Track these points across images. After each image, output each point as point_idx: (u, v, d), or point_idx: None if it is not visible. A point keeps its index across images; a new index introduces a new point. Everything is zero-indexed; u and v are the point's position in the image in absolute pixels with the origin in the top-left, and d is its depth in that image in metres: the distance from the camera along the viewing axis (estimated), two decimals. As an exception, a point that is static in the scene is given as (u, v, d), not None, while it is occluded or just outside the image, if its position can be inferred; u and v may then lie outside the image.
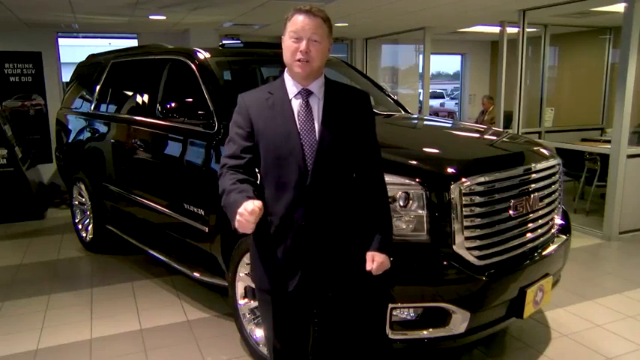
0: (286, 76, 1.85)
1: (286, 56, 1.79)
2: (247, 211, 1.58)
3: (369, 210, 1.88)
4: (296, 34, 1.75)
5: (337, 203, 1.82)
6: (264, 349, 2.70)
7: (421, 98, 8.98)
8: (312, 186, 1.76)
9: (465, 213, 2.34)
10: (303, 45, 1.73)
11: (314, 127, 1.78)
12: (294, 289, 1.82)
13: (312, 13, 1.75)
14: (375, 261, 1.84)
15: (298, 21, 1.75)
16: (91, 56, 5.20)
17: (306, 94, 1.81)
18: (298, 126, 1.77)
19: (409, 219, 2.31)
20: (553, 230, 2.86)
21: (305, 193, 1.76)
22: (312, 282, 1.83)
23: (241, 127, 1.84)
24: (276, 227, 1.80)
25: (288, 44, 1.77)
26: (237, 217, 1.60)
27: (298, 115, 1.79)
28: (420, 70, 9.16)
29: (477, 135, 3.39)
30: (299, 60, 1.74)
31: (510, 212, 2.50)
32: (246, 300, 2.85)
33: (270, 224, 1.81)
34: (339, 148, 1.80)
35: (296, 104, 1.81)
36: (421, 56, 8.70)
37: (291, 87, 1.82)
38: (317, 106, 1.81)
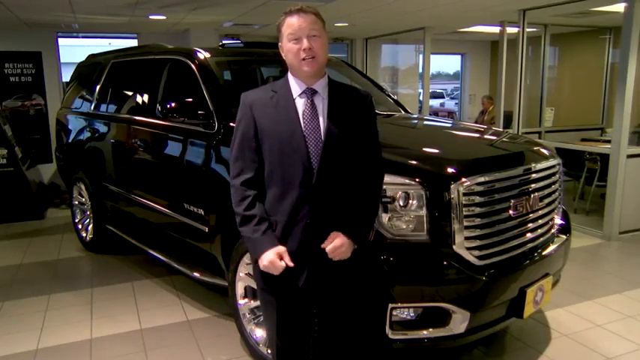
0: (290, 76, 1.86)
1: (290, 59, 1.80)
2: (277, 270, 1.77)
3: (358, 201, 1.86)
4: (294, 35, 1.76)
5: (342, 201, 1.83)
6: (264, 349, 2.70)
7: (421, 98, 8.99)
8: (318, 184, 1.77)
9: (465, 213, 2.33)
10: (305, 43, 1.74)
11: (319, 126, 1.79)
12: (299, 288, 1.83)
13: (303, 11, 1.78)
14: (333, 241, 1.78)
15: (293, 22, 1.76)
16: (91, 56, 5.20)
17: (310, 93, 1.82)
18: (303, 125, 1.78)
19: (409, 219, 2.31)
20: (553, 230, 2.86)
21: (310, 191, 1.77)
22: (317, 281, 1.83)
23: (246, 127, 1.85)
24: (282, 226, 1.81)
25: (289, 47, 1.78)
26: (263, 265, 1.78)
27: (303, 114, 1.80)
28: (420, 70, 9.16)
29: (477, 135, 3.39)
30: (304, 59, 1.75)
31: (510, 212, 2.49)
32: (246, 300, 2.85)
33: (276, 224, 1.82)
34: (345, 147, 1.81)
35: (300, 103, 1.82)
36: (421, 56, 8.70)
37: (295, 87, 1.83)
38: (322, 105, 1.83)
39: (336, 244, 1.79)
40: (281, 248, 1.79)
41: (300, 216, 1.78)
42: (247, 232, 1.82)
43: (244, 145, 1.84)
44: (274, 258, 1.76)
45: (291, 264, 1.77)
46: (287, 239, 1.81)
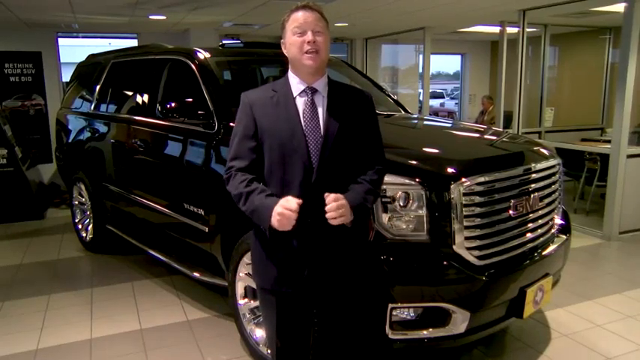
0: (290, 74, 1.86)
1: (293, 52, 1.80)
2: (291, 209, 1.66)
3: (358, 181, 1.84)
4: (299, 28, 1.77)
5: None
6: (264, 349, 2.70)
7: (421, 98, 8.99)
8: (317, 183, 1.76)
9: (465, 213, 2.33)
10: (309, 36, 1.76)
11: (319, 125, 1.79)
12: (299, 288, 1.83)
13: (309, 7, 1.80)
14: (334, 197, 1.70)
15: (299, 16, 1.78)
16: (91, 56, 5.20)
17: (311, 92, 1.82)
18: (303, 124, 1.78)
19: (409, 219, 2.31)
20: (553, 230, 2.86)
21: (310, 190, 1.76)
22: (317, 280, 1.83)
23: (245, 127, 1.85)
24: None
25: (293, 40, 1.78)
26: (278, 216, 1.68)
27: (303, 113, 1.80)
28: (420, 70, 9.16)
29: (477, 135, 3.39)
30: (308, 52, 1.76)
31: (510, 212, 2.50)
32: (246, 300, 2.85)
33: None
34: (344, 146, 1.81)
35: (301, 102, 1.82)
36: (421, 56, 8.71)
37: (296, 85, 1.84)
38: (322, 104, 1.83)
39: (332, 197, 1.69)
40: (287, 197, 1.71)
41: (300, 215, 1.78)
42: (252, 204, 1.76)
43: (244, 144, 1.84)
44: (284, 201, 1.69)
45: (300, 200, 1.69)
46: (286, 239, 1.80)
